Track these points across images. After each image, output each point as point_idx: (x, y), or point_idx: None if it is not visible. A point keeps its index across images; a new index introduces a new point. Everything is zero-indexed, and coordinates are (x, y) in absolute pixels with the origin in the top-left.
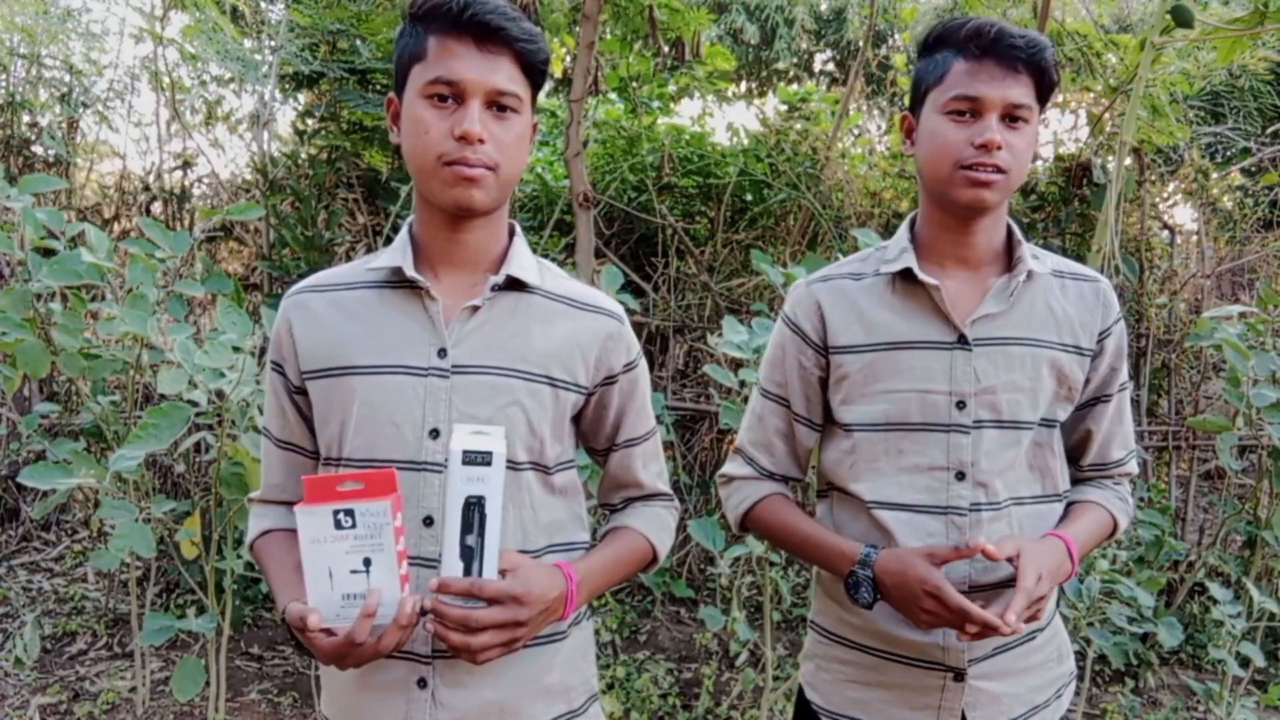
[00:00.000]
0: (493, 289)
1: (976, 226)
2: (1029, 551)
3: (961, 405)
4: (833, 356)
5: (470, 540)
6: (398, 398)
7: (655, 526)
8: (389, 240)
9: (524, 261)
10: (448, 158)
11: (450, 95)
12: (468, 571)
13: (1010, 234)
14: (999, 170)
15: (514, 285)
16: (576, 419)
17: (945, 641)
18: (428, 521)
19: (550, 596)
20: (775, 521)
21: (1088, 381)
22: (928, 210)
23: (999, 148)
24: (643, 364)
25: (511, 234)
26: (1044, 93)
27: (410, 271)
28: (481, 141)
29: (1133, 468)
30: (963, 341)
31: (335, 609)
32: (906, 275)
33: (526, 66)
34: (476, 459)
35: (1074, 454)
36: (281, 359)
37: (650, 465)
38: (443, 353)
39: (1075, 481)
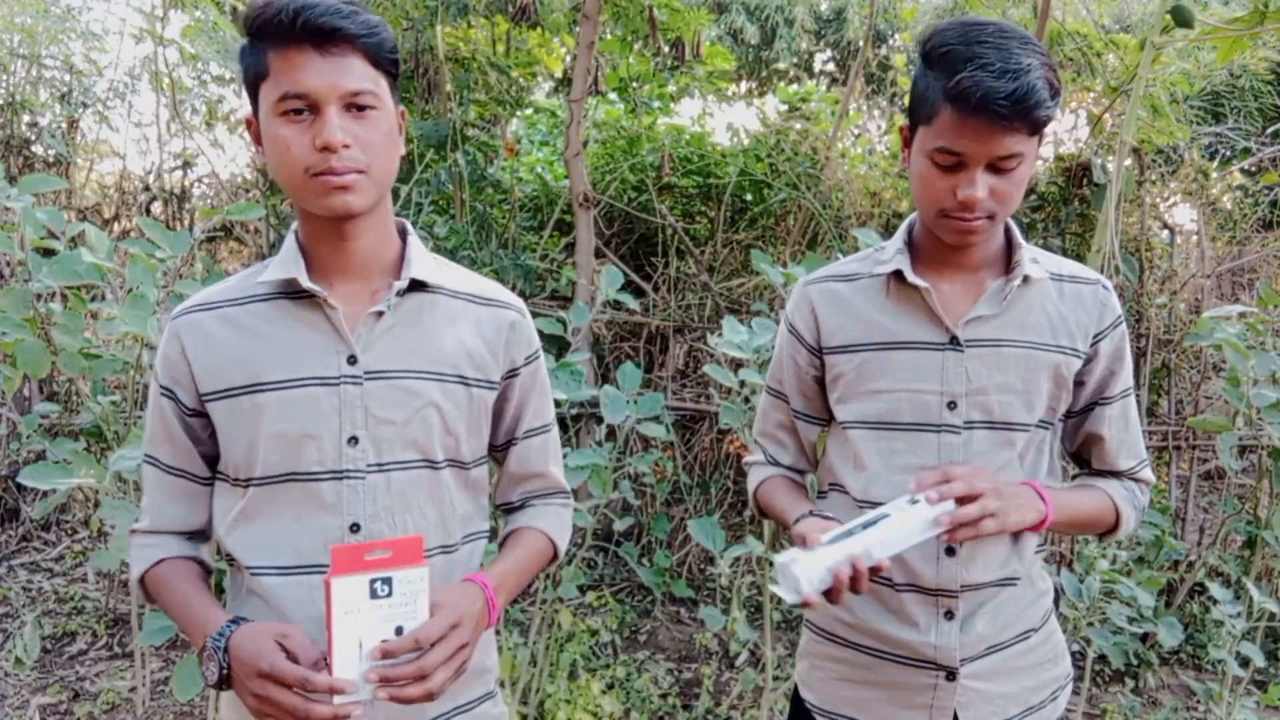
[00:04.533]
0: (398, 294)
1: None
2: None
3: (953, 406)
4: (827, 357)
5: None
6: (313, 409)
7: (556, 525)
8: None
9: (422, 262)
10: (314, 169)
11: (304, 107)
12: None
13: (1010, 236)
14: (984, 217)
15: (415, 286)
16: None
17: (937, 640)
18: (354, 529)
19: (477, 609)
20: (766, 499)
21: (1081, 384)
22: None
23: (981, 201)
24: (542, 356)
25: (404, 234)
26: (1040, 127)
27: (306, 282)
28: (346, 147)
29: (1147, 476)
30: (955, 343)
31: (360, 680)
32: (900, 277)
33: (375, 59)
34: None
35: (1082, 458)
36: (173, 383)
37: (552, 455)
38: (353, 359)
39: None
